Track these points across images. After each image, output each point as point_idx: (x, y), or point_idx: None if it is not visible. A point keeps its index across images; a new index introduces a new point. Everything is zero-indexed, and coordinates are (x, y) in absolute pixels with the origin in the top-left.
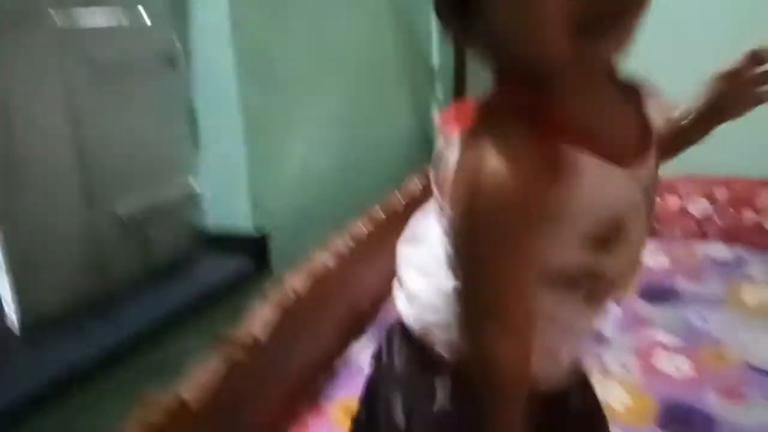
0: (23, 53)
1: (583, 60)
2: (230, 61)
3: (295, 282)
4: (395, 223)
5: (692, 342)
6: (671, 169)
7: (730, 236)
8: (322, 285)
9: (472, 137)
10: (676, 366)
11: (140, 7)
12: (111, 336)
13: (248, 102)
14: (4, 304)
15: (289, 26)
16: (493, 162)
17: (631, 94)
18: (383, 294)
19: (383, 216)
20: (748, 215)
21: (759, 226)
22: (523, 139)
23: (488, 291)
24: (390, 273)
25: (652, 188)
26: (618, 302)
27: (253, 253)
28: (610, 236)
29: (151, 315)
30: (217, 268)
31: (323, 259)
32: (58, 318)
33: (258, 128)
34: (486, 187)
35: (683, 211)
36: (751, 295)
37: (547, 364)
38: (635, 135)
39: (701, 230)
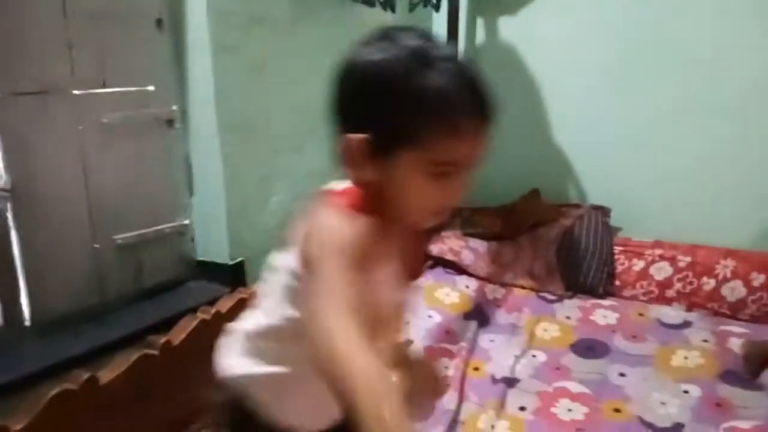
0: (49, 118)
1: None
2: (215, 122)
3: (223, 304)
4: None
5: (598, 394)
6: (639, 235)
7: (686, 301)
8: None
9: (336, 209)
10: (571, 412)
11: (146, 80)
12: (102, 336)
13: (229, 156)
14: (21, 305)
15: (272, 92)
16: (345, 220)
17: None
18: None
19: None
20: (706, 281)
21: (716, 293)
22: (368, 223)
23: (333, 282)
24: None
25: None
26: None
27: (231, 279)
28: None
29: (137, 323)
30: (199, 289)
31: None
32: (61, 319)
33: (237, 177)
34: (341, 227)
35: (645, 274)
36: (679, 358)
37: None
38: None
39: (661, 293)
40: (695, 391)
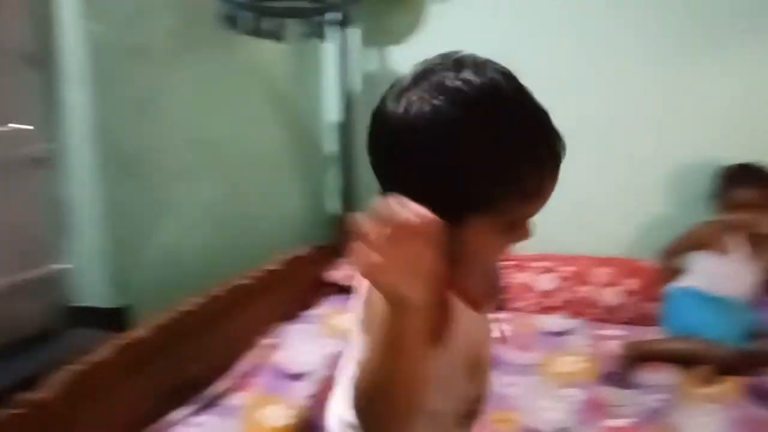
0: None
1: None
2: (95, 159)
3: (100, 352)
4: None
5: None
6: (523, 249)
7: (569, 309)
8: (133, 353)
9: None
10: None
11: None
12: None
13: (111, 194)
14: None
15: (161, 125)
16: None
17: None
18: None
19: (223, 293)
20: (584, 289)
21: (594, 300)
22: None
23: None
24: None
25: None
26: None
27: (112, 324)
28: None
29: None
30: (77, 338)
31: (139, 332)
32: None
33: (122, 216)
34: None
35: (529, 287)
36: (562, 364)
37: None
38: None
39: (546, 303)
40: (578, 394)
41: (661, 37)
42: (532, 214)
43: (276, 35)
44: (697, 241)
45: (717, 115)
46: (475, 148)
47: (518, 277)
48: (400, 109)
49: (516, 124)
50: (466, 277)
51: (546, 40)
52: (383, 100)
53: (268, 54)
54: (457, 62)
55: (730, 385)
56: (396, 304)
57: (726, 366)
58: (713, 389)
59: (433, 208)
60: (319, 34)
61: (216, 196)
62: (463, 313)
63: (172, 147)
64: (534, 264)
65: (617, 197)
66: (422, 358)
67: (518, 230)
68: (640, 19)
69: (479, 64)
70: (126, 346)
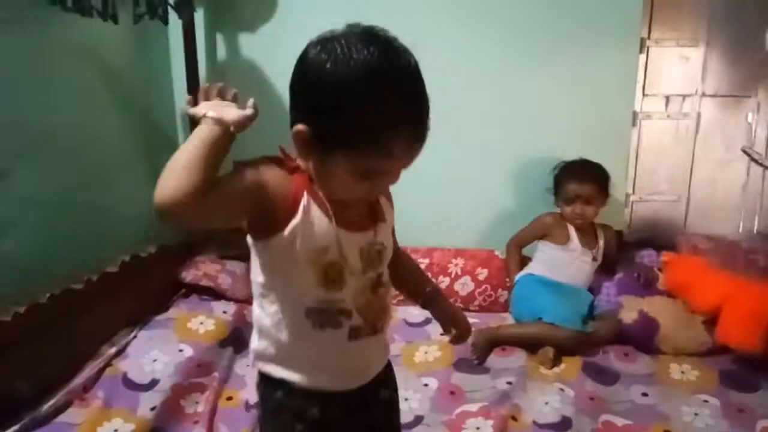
0: None
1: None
2: None
3: None
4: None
5: None
6: None
7: None
8: None
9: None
10: None
11: None
12: None
13: None
14: None
15: None
16: (264, 165)
17: None
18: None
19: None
20: (442, 279)
21: (450, 289)
22: (284, 176)
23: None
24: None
25: (374, 252)
26: (375, 332)
27: None
28: (331, 276)
29: None
30: None
31: None
32: None
33: None
34: (253, 162)
35: None
36: (421, 353)
37: (324, 371)
38: (359, 217)
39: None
40: (433, 383)
41: (512, 40)
42: (388, 170)
43: (109, 14)
44: (539, 231)
45: (557, 115)
46: (352, 102)
47: None
48: (312, 53)
49: (392, 92)
50: (325, 189)
51: (400, 34)
52: (308, 44)
53: (106, 34)
54: (368, 31)
55: (570, 365)
56: (216, 125)
57: (567, 347)
58: (556, 369)
59: (313, 134)
60: (158, 15)
61: (42, 189)
62: (311, 218)
63: None
64: None
65: (469, 191)
66: (216, 166)
67: (375, 179)
68: (492, 23)
69: (386, 38)
70: None
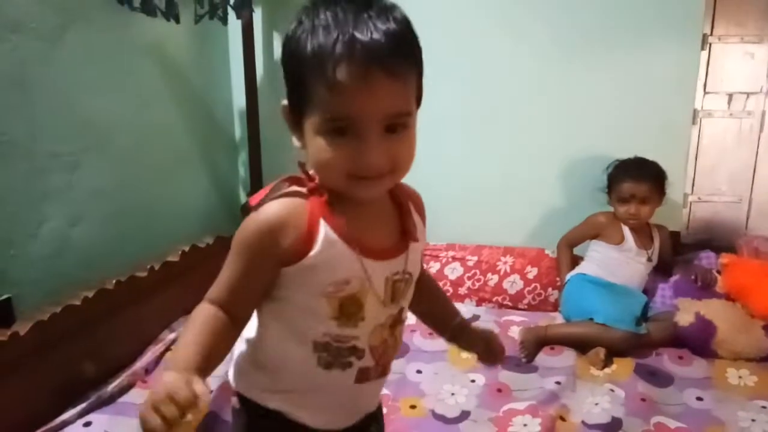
0: None
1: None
2: None
3: None
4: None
5: (396, 392)
6: (435, 239)
7: (476, 296)
8: (13, 351)
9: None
10: None
11: None
12: None
13: None
14: None
15: (38, 105)
16: (267, 206)
17: (399, 206)
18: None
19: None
20: (490, 277)
21: (499, 287)
22: (297, 205)
23: (226, 268)
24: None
25: (401, 283)
26: (384, 374)
27: None
28: (349, 310)
29: None
30: None
31: (18, 328)
32: None
33: (0, 205)
34: (253, 217)
35: (441, 275)
36: None
37: (323, 412)
38: (387, 239)
39: (455, 291)
40: (480, 379)
41: (567, 37)
42: (348, 112)
43: (172, 14)
44: (592, 230)
45: (612, 111)
46: (298, 44)
47: (430, 267)
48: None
49: (325, 27)
50: (322, 174)
51: (453, 36)
52: None
53: (169, 34)
54: None
55: (622, 366)
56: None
57: (618, 348)
58: (607, 370)
59: (290, 106)
60: (219, 16)
61: (109, 182)
62: (331, 249)
63: (56, 129)
64: (442, 254)
65: (519, 189)
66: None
67: (348, 135)
68: (546, 20)
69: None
70: (2, 343)
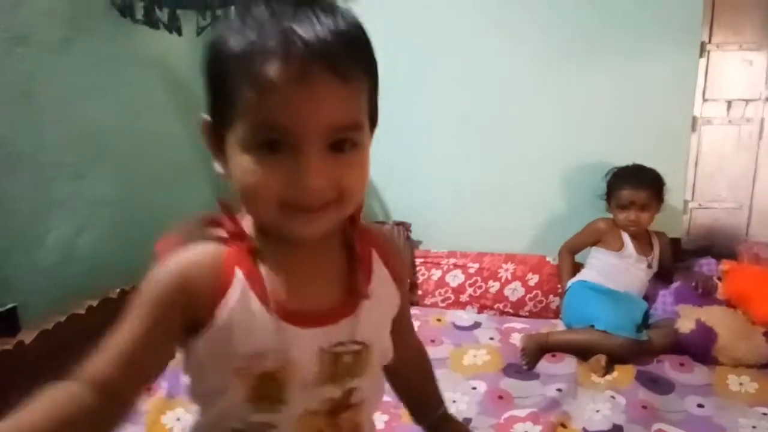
0: None
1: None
2: None
3: None
4: None
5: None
6: (437, 246)
7: (477, 303)
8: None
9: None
10: None
11: None
12: None
13: None
14: None
15: (43, 115)
16: (176, 255)
17: (353, 253)
18: None
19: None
20: (492, 284)
21: (500, 294)
22: (213, 254)
23: (120, 331)
24: None
25: (346, 357)
26: None
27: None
28: (266, 391)
29: None
30: None
31: (23, 336)
32: None
33: (4, 213)
34: (157, 270)
35: (443, 282)
36: (470, 357)
37: None
38: (327, 297)
39: (456, 298)
40: (481, 386)
41: (566, 43)
42: (278, 120)
43: (174, 26)
44: (592, 237)
45: (611, 118)
46: (221, 48)
47: (432, 274)
48: None
49: (252, 22)
50: (247, 206)
51: (451, 38)
52: None
53: (171, 46)
54: None
55: (623, 373)
56: None
57: (619, 355)
58: (608, 377)
59: (211, 120)
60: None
61: (113, 191)
62: (243, 311)
63: (61, 140)
64: (444, 261)
65: (520, 196)
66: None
67: (281, 151)
68: (533, 27)
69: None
70: (7, 352)
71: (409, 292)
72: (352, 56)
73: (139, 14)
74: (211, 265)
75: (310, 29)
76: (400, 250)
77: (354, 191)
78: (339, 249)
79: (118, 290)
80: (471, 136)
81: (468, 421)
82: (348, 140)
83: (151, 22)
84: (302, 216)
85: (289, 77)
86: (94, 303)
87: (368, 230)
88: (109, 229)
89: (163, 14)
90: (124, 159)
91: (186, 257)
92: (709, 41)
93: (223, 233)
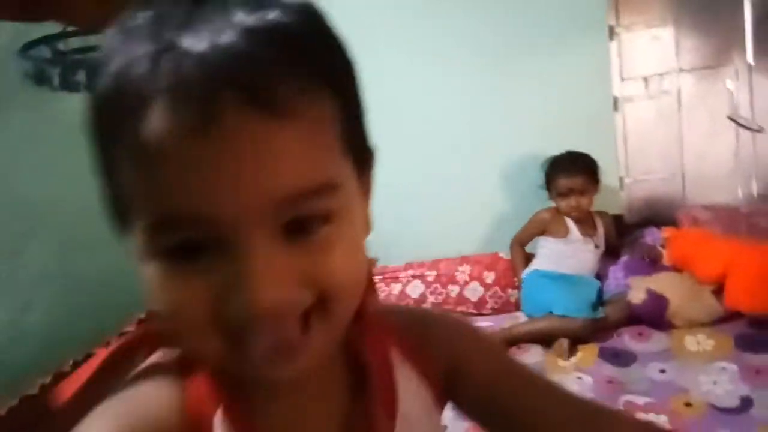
0: None
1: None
2: None
3: None
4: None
5: None
6: (393, 260)
7: (440, 309)
8: None
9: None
10: None
11: None
12: None
13: None
14: None
15: None
16: (98, 413)
17: (362, 373)
18: None
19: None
20: (451, 289)
21: (461, 297)
22: (162, 402)
23: None
24: None
25: None
26: None
27: None
28: None
29: None
30: None
31: None
32: None
33: None
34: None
35: (403, 295)
36: None
37: None
38: None
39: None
40: None
41: (486, 40)
42: (177, 206)
43: (92, 88)
44: (538, 228)
45: (539, 112)
46: (96, 92)
47: (391, 289)
48: None
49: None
50: (179, 341)
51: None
52: None
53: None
54: None
55: (586, 353)
56: None
57: (580, 336)
58: (573, 359)
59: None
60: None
61: (55, 262)
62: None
63: None
64: (402, 274)
65: (465, 198)
66: None
67: (199, 258)
68: (468, 28)
69: None
70: None
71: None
72: (291, 67)
73: (56, 81)
74: (165, 418)
75: (205, 36)
76: (443, 332)
77: (341, 288)
78: (341, 367)
79: (71, 362)
80: (410, 145)
81: (444, 427)
82: (314, 216)
83: (70, 86)
84: (263, 350)
85: (181, 129)
86: (47, 380)
87: (379, 323)
88: (56, 302)
89: (81, 75)
90: (61, 228)
91: (124, 413)
92: (617, 24)
93: (170, 361)
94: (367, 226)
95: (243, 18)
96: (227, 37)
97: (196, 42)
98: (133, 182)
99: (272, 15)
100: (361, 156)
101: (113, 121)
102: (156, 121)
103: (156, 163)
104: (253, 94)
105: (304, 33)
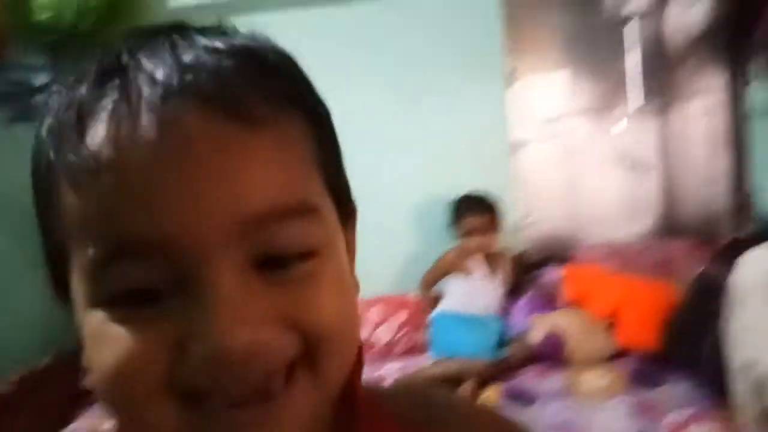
0: None
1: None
2: None
3: None
4: None
5: None
6: None
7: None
8: None
9: None
10: None
11: None
12: None
13: None
14: None
15: None
16: None
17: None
18: None
19: None
20: (363, 330)
21: (370, 339)
22: None
23: None
24: None
25: None
26: None
27: None
28: None
29: None
30: None
31: None
32: None
33: None
34: None
35: None
36: None
37: None
38: None
39: None
40: None
41: (396, 83)
42: (131, 229)
43: None
44: (445, 267)
45: (443, 153)
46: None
47: None
48: None
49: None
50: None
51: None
52: None
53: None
54: None
55: (492, 393)
56: None
57: (486, 377)
58: (479, 401)
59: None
60: (32, 118)
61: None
62: None
63: None
64: None
65: (375, 239)
66: None
67: (151, 296)
68: (377, 66)
69: None
70: None
71: None
72: (261, 78)
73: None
74: None
75: (162, 53)
76: (451, 412)
77: (328, 331)
78: None
79: None
80: None
81: None
82: (291, 248)
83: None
84: (235, 412)
85: (128, 140)
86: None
87: (374, 408)
88: None
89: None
90: None
91: None
92: (514, 68)
93: None
94: (355, 285)
95: (206, 42)
96: (189, 53)
97: (150, 56)
98: (75, 211)
99: (239, 40)
100: (344, 206)
101: (54, 146)
102: (101, 131)
103: (101, 180)
104: (214, 97)
105: (273, 55)
